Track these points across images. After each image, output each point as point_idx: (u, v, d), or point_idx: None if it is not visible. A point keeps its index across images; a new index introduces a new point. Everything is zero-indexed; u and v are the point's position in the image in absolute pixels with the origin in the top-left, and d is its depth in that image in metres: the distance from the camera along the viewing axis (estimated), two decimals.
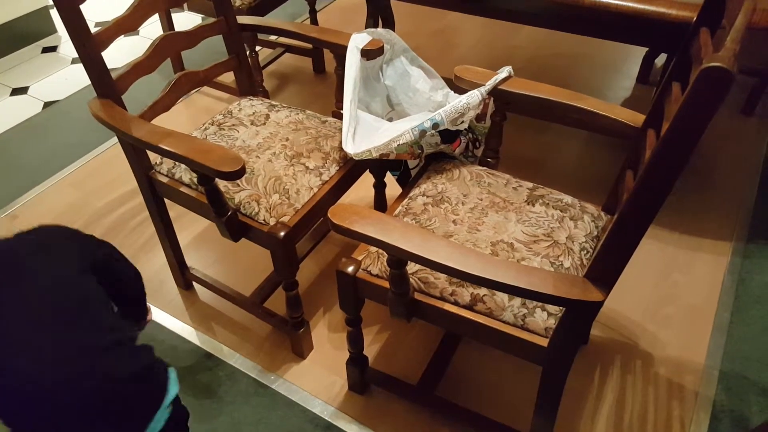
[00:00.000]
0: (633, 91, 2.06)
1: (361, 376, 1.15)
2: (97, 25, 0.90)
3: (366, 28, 1.81)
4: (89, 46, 0.98)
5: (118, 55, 2.23)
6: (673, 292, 1.37)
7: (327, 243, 1.50)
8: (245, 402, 1.18)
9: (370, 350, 1.25)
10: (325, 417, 1.14)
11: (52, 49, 2.42)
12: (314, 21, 2.13)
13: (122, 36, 1.04)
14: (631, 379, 1.20)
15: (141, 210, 1.63)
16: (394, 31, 1.21)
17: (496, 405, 1.15)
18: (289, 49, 2.15)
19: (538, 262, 0.91)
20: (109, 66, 1.02)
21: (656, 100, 0.89)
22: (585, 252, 0.95)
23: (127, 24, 1.05)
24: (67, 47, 2.42)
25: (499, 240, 0.95)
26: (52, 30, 2.49)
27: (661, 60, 2.08)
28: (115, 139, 1.83)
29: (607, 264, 0.72)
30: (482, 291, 0.88)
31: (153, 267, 1.48)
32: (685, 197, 1.59)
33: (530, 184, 1.08)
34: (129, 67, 1.07)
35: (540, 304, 0.86)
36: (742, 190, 1.64)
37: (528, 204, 1.02)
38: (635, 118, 0.97)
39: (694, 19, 0.82)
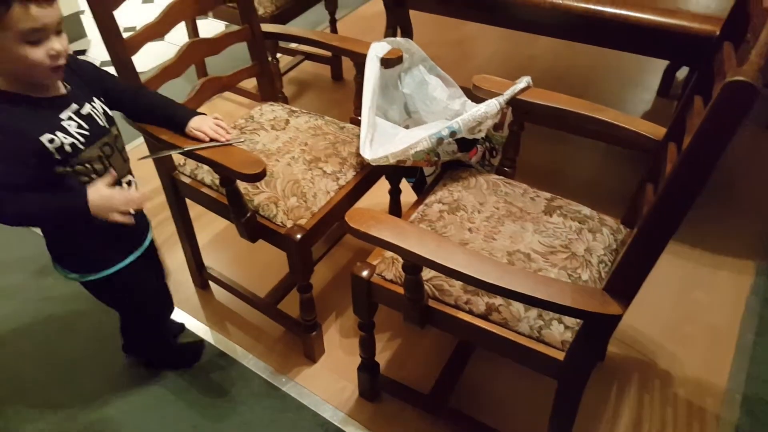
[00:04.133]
0: (653, 104, 2.03)
1: (372, 382, 1.15)
2: (125, 30, 0.94)
3: (385, 37, 1.84)
4: (121, 51, 1.01)
5: (142, 59, 2.28)
6: (694, 311, 1.34)
7: (341, 247, 1.51)
8: (257, 403, 1.19)
9: (382, 357, 1.25)
10: (335, 422, 1.14)
11: (82, 52, 2.50)
12: (334, 30, 2.16)
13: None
14: (648, 398, 1.17)
15: (162, 209, 1.65)
16: (412, 40, 1.22)
17: (509, 418, 1.13)
18: (308, 56, 2.19)
19: (555, 274, 0.90)
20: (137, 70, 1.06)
21: (678, 114, 0.88)
22: (603, 265, 0.94)
23: (157, 30, 1.09)
24: (96, 50, 2.50)
25: (516, 250, 0.94)
26: (83, 34, 2.58)
27: (682, 73, 2.05)
28: (140, 140, 1.87)
29: (627, 277, 0.71)
30: (498, 300, 0.87)
31: (171, 266, 1.49)
32: (706, 213, 1.56)
33: (548, 195, 1.07)
34: (158, 71, 1.10)
35: (557, 316, 0.85)
36: (766, 206, 1.60)
37: (545, 214, 1.01)
38: (656, 131, 0.96)
39: (717, 32, 0.81)
